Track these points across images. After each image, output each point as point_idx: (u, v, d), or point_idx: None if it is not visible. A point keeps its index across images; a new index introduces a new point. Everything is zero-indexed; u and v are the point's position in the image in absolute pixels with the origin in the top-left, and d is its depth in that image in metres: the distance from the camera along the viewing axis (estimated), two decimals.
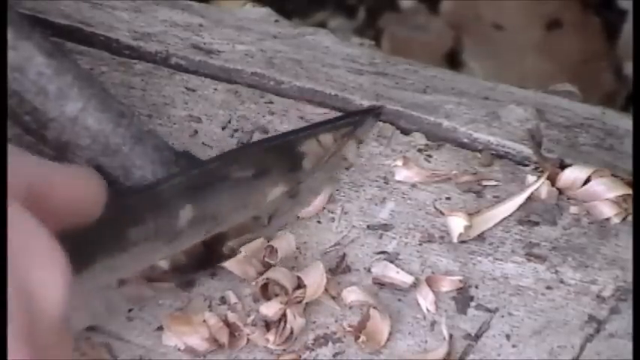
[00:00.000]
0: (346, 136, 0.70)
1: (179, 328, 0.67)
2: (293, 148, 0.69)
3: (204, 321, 0.68)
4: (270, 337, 0.67)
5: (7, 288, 0.48)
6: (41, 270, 0.49)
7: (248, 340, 0.67)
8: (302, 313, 0.68)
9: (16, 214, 0.49)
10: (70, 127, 0.68)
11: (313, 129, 0.71)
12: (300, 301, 0.68)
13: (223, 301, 0.69)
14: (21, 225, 0.49)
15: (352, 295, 0.69)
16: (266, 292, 0.69)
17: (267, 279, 0.68)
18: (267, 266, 0.70)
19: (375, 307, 0.67)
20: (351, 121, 0.71)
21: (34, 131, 0.69)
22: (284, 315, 0.67)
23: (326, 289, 0.69)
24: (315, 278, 0.68)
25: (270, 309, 0.68)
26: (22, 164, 0.51)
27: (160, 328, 0.68)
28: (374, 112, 0.74)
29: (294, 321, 0.67)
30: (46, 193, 0.52)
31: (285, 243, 0.71)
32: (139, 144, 0.69)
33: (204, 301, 0.69)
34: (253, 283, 0.69)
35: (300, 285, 0.68)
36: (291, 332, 0.67)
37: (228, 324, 0.68)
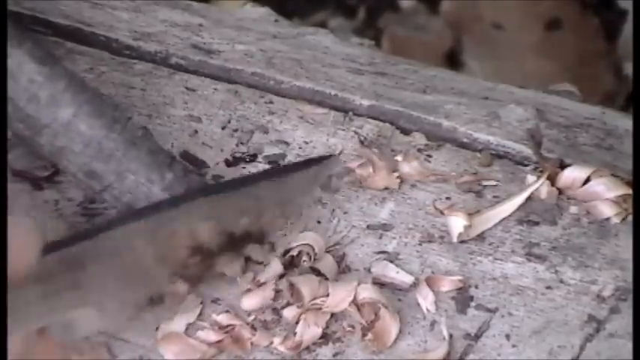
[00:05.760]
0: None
1: (172, 347, 0.67)
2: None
3: (201, 327, 0.67)
4: (276, 339, 0.67)
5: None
6: None
7: (251, 343, 0.67)
8: (320, 323, 0.67)
9: None
10: (63, 133, 0.68)
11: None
12: (319, 309, 0.68)
13: (221, 301, 0.69)
14: None
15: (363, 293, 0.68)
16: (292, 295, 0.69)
17: (289, 282, 0.68)
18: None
19: (386, 307, 0.67)
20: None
21: (26, 138, 0.69)
22: (298, 321, 0.67)
23: None
24: (341, 293, 0.68)
25: (290, 313, 0.68)
26: None
27: None
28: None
29: (307, 330, 0.67)
30: None
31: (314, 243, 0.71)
32: (133, 148, 0.69)
33: (200, 302, 0.69)
34: (273, 284, 0.69)
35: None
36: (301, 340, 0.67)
37: (224, 326, 0.68)
